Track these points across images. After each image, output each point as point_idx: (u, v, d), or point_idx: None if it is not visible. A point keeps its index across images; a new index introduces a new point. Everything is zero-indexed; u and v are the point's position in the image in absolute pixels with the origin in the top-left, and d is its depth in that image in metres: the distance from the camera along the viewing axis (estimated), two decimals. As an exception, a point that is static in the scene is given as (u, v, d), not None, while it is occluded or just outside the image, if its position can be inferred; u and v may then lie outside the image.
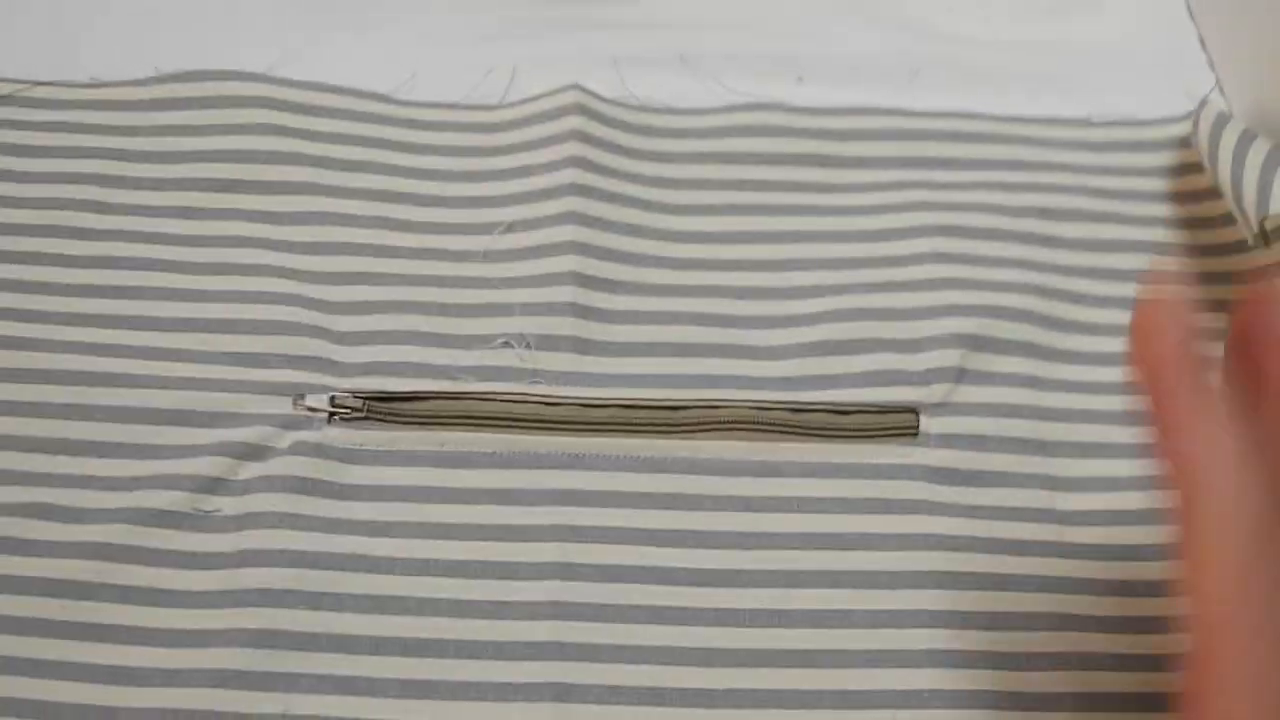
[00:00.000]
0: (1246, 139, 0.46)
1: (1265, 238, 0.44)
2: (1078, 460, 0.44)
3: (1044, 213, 0.49)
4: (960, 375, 0.44)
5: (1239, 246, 0.48)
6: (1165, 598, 0.41)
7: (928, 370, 0.44)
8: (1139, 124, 0.52)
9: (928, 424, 0.43)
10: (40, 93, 0.50)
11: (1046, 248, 0.48)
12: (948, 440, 0.43)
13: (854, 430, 0.43)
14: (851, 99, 0.52)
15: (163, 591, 0.40)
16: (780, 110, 0.51)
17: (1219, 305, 0.46)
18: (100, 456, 0.42)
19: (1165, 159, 0.51)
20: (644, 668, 0.39)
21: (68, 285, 0.46)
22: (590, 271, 0.46)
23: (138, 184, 0.48)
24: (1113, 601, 0.41)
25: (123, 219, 0.47)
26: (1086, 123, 0.52)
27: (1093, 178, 0.50)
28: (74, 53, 0.52)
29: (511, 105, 0.51)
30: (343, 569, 0.40)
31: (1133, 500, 0.43)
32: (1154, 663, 0.40)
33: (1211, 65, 0.54)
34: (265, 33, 0.53)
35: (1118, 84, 0.53)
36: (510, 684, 0.39)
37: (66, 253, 0.46)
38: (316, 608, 0.40)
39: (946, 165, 0.50)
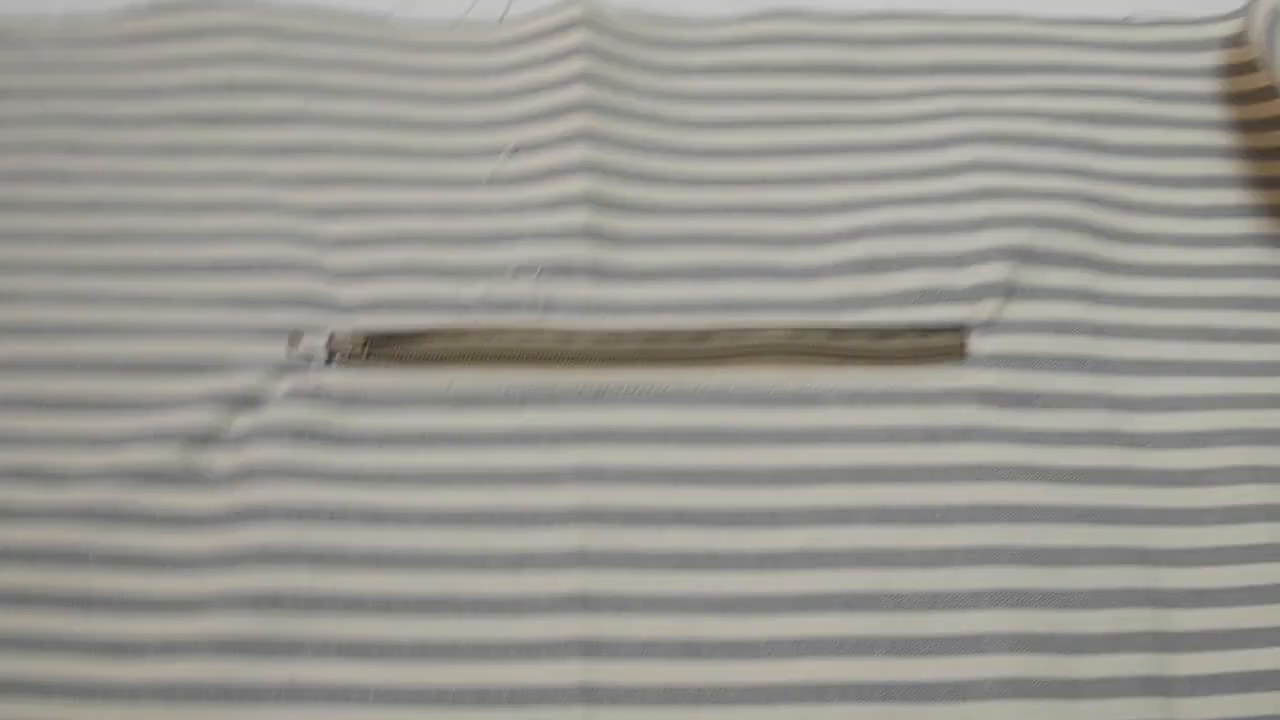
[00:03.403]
0: None
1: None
2: (1141, 378, 0.41)
3: (1090, 117, 0.46)
4: (1009, 290, 0.41)
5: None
6: (1248, 524, 0.38)
7: (974, 286, 0.41)
8: (1184, 23, 0.49)
9: (976, 344, 0.41)
10: (10, 33, 0.48)
11: (1094, 153, 0.45)
12: (998, 361, 0.40)
13: (897, 353, 0.41)
14: (879, 2, 0.49)
15: (155, 556, 0.38)
16: (802, 17, 0.48)
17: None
18: (84, 412, 0.40)
19: (1214, 59, 0.48)
20: (678, 619, 0.37)
21: (48, 232, 0.43)
22: (605, 193, 0.43)
23: (119, 123, 0.45)
24: (1191, 532, 0.38)
25: (104, 160, 0.45)
26: (1129, 23, 0.48)
27: (1139, 79, 0.47)
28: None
29: (515, 22, 0.48)
30: (347, 523, 0.38)
31: (1207, 420, 0.40)
32: (1235, 597, 0.37)
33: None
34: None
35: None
36: (533, 643, 0.36)
37: (44, 199, 0.44)
38: (320, 567, 0.37)
39: (984, 70, 0.47)
